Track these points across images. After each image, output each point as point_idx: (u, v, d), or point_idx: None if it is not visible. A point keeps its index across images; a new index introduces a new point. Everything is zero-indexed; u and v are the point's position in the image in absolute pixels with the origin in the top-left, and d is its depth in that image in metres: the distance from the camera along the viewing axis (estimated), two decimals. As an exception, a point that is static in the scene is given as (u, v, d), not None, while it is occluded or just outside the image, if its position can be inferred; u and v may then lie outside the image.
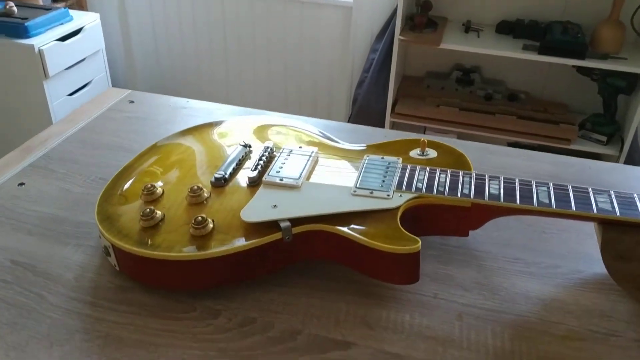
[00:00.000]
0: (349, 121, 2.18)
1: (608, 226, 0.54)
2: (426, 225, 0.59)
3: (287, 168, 0.62)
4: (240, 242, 0.53)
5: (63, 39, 1.85)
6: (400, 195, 0.57)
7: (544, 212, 0.55)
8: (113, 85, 2.29)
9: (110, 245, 0.56)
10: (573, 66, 1.78)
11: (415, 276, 0.53)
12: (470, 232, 0.65)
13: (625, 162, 1.86)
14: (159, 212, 0.57)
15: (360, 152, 0.66)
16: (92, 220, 0.66)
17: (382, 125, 2.01)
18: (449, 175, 0.59)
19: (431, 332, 0.53)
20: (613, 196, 0.56)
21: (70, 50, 1.89)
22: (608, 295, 0.58)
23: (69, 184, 0.73)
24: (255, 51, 2.34)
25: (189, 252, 0.53)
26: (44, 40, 1.78)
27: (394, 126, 2.04)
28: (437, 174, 0.60)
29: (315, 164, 0.63)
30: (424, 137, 0.68)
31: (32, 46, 1.74)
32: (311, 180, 0.60)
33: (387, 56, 1.97)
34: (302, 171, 0.61)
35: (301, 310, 0.55)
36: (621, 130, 1.87)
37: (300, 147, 0.66)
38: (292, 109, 2.42)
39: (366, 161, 0.63)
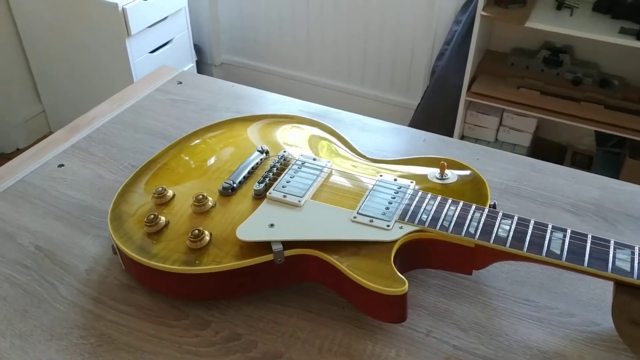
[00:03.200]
0: (424, 94, 2.10)
1: (622, 287, 0.49)
2: (427, 259, 0.56)
3: (295, 183, 0.61)
4: (232, 261, 0.54)
5: (146, -3, 1.91)
6: (401, 227, 0.55)
7: (552, 263, 0.51)
8: (195, 44, 2.34)
9: (116, 246, 0.58)
10: (678, 53, 1.59)
11: (402, 317, 0.51)
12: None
13: None
14: (163, 219, 0.59)
15: (377, 170, 0.64)
16: (114, 210, 0.69)
17: (457, 103, 1.92)
18: (458, 209, 0.56)
19: (413, 374, 0.52)
20: (637, 253, 0.50)
21: (153, 9, 1.94)
22: (619, 356, 0.53)
23: (103, 170, 0.76)
24: (337, 17, 2.29)
25: (179, 266, 0.54)
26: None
27: (470, 105, 1.94)
28: (447, 205, 0.56)
29: (326, 179, 0.62)
30: (447, 159, 0.64)
31: (115, 5, 1.80)
32: (315, 199, 0.59)
33: (470, 30, 1.86)
34: (309, 188, 0.60)
35: (288, 331, 0.55)
36: None
37: (314, 160, 0.65)
38: (369, 77, 2.37)
39: (376, 182, 0.61)
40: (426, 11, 2.10)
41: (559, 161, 2.03)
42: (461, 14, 1.97)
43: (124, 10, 1.82)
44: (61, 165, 0.77)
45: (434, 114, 2.08)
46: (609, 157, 1.92)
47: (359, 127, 0.85)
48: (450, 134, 2.01)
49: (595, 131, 1.95)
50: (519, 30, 1.90)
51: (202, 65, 2.60)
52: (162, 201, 0.61)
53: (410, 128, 0.85)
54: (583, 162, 2.00)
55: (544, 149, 2.08)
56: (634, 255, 0.50)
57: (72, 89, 2.14)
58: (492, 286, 0.60)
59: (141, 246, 0.57)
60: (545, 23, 1.62)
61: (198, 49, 2.54)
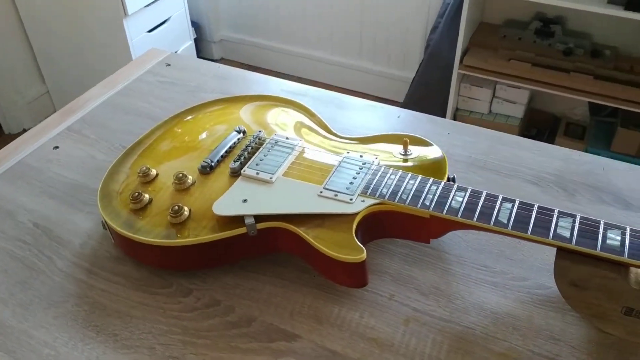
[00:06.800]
0: (418, 69, 2.13)
1: (562, 253, 0.54)
2: (387, 229, 0.61)
3: (267, 161, 0.65)
4: (209, 234, 0.59)
5: (142, -23, 1.93)
6: (363, 201, 0.59)
7: (500, 232, 0.55)
8: (194, 21, 2.37)
9: (105, 222, 0.63)
10: (668, 22, 1.60)
11: (362, 282, 0.56)
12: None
13: None
14: (147, 196, 0.63)
15: (345, 147, 0.68)
16: (105, 189, 0.74)
17: (451, 76, 1.95)
18: (416, 183, 0.60)
19: (374, 333, 0.57)
20: (577, 222, 0.54)
21: (149, -12, 1.97)
22: (564, 316, 0.58)
23: (95, 151, 0.81)
24: (332, -11, 2.30)
25: (161, 239, 0.59)
26: (123, -21, 1.87)
27: (463, 78, 1.97)
28: (407, 180, 0.61)
29: (297, 157, 0.66)
30: (408, 135, 0.68)
31: (112, -15, 1.83)
32: (286, 176, 0.64)
33: (462, 2, 1.87)
34: (280, 166, 0.64)
35: (262, 297, 0.61)
36: None
37: (287, 139, 0.69)
38: (366, 50, 2.39)
39: (343, 159, 0.65)
40: (420, -16, 2.11)
41: (553, 132, 2.06)
42: (454, -14, 1.98)
43: (120, -10, 1.85)
44: (56, 147, 0.82)
45: (428, 87, 2.11)
46: (603, 127, 1.95)
47: (336, 105, 0.89)
48: (444, 106, 2.04)
49: (589, 101, 1.98)
50: (511, 2, 1.91)
51: (202, 43, 2.63)
52: (146, 180, 0.66)
53: (385, 105, 0.89)
54: (576, 132, 2.03)
55: (538, 120, 2.11)
56: (574, 223, 0.54)
57: (74, 69, 2.18)
58: (453, 254, 0.65)
59: (127, 222, 0.62)
60: (534, -6, 1.64)
61: (197, 26, 2.56)
